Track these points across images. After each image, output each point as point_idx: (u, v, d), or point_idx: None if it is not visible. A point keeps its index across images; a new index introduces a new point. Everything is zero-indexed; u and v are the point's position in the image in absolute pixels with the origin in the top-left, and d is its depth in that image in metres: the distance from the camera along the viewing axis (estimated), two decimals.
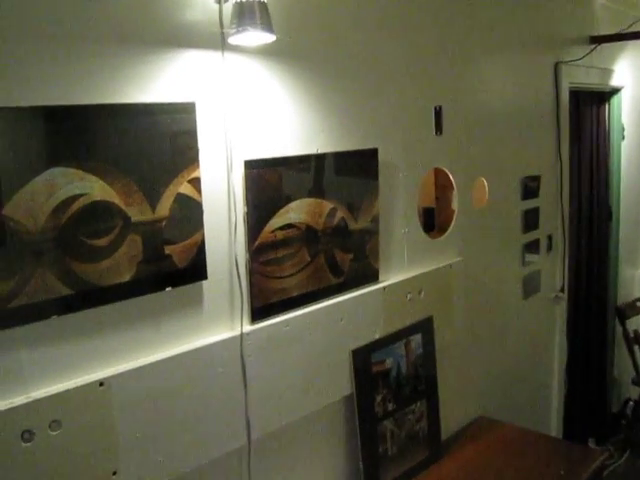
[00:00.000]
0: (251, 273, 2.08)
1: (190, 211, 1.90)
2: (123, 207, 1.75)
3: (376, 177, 2.50)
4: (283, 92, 2.15)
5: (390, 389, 2.60)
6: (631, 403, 4.95)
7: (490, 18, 3.20)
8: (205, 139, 1.93)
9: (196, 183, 1.90)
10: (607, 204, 4.87)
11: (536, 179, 3.65)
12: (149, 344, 1.86)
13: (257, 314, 2.11)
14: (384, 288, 2.56)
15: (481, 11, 3.12)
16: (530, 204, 3.63)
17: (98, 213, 1.70)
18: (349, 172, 2.41)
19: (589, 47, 4.14)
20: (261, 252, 2.10)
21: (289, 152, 2.18)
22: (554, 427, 4.17)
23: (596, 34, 4.21)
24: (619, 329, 4.64)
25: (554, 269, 3.98)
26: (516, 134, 3.47)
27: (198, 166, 1.90)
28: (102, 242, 1.72)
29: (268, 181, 2.11)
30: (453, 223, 3.02)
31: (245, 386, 2.06)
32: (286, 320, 2.18)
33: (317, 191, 2.27)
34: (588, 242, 4.67)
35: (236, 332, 2.04)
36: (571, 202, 4.14)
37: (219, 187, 1.99)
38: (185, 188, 1.88)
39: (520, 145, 3.51)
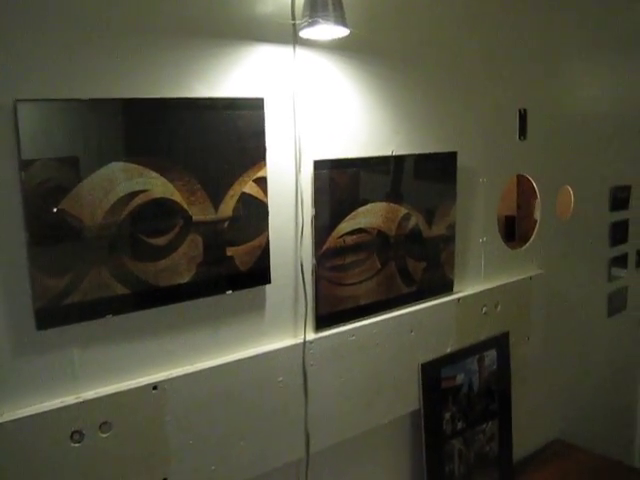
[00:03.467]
0: (317, 279, 1.95)
1: (255, 212, 1.79)
2: (184, 205, 1.65)
3: (454, 182, 2.33)
4: (356, 90, 2.02)
5: (460, 406, 2.42)
6: None
7: (585, 14, 2.97)
8: (273, 137, 1.82)
9: (262, 183, 1.79)
10: None
11: (626, 189, 3.39)
12: (206, 348, 1.75)
13: (321, 322, 1.98)
14: (458, 300, 2.39)
15: (573, 9, 2.89)
16: (619, 216, 3.37)
17: (158, 211, 1.61)
18: (425, 176, 2.25)
19: None
20: (328, 257, 1.97)
21: (361, 153, 2.05)
22: (637, 457, 3.88)
23: None
24: None
25: None
26: (606, 140, 3.23)
27: (265, 165, 1.79)
28: (161, 241, 1.62)
29: (338, 183, 1.98)
30: (535, 233, 2.81)
31: (306, 396, 1.93)
32: (352, 329, 2.04)
33: (390, 195, 2.13)
34: None
35: (299, 340, 1.91)
36: None
37: (286, 188, 1.87)
38: (250, 188, 1.76)
39: (610, 152, 3.26)
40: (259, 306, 1.85)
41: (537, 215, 2.83)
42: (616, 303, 3.43)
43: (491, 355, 2.55)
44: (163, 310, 1.65)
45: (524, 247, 2.78)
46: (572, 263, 3.07)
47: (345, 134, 2.01)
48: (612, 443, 3.55)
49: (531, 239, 2.80)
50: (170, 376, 1.65)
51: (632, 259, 3.53)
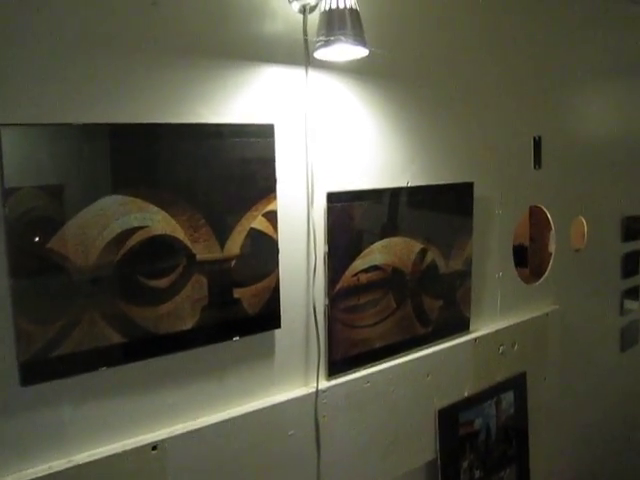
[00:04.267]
0: (330, 321, 1.78)
1: (264, 250, 1.62)
2: (188, 243, 1.48)
3: (470, 214, 2.18)
4: (370, 115, 1.87)
5: (478, 454, 2.24)
6: None
7: (595, 43, 2.85)
8: (284, 167, 1.66)
9: (272, 217, 1.62)
10: None
11: (639, 220, 3.25)
12: (211, 401, 1.57)
13: (335, 368, 1.81)
14: (475, 339, 2.22)
15: (586, 35, 2.77)
16: (631, 247, 3.22)
17: (159, 249, 1.44)
18: (441, 208, 2.09)
19: None
20: (342, 298, 1.80)
21: (375, 184, 1.89)
22: None
23: None
24: None
25: None
26: (619, 170, 3.09)
27: (275, 198, 1.62)
28: (162, 283, 1.44)
29: (353, 217, 1.81)
30: (550, 266, 2.65)
31: (318, 450, 1.75)
32: (367, 375, 1.87)
33: (406, 229, 1.96)
34: None
35: (311, 389, 1.74)
36: None
37: (298, 222, 1.71)
38: (259, 223, 1.60)
39: (623, 182, 3.13)
40: (268, 353, 1.67)
41: (552, 247, 2.67)
42: (629, 337, 3.27)
43: (508, 397, 2.37)
44: (163, 360, 1.47)
45: (539, 282, 2.61)
46: (585, 297, 2.91)
47: (359, 164, 1.85)
48: None
49: (546, 273, 2.64)
50: (172, 434, 1.47)
51: None
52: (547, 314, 2.57)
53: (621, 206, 3.13)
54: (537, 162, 2.53)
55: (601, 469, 3.11)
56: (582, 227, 2.86)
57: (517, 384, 2.41)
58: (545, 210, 2.61)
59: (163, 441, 1.45)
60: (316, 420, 1.73)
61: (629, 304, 3.24)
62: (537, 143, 2.53)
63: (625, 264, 3.19)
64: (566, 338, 2.74)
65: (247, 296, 1.58)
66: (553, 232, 2.65)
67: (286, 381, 1.71)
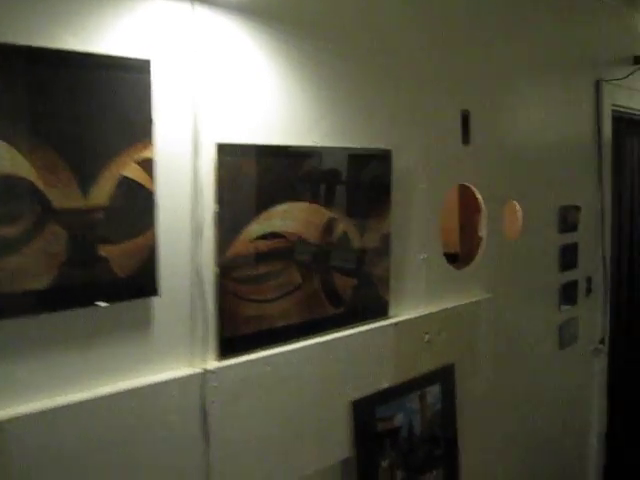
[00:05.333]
0: (221, 293, 1.60)
1: (138, 202, 1.44)
2: (41, 187, 1.29)
3: (388, 186, 2.03)
4: (272, 65, 1.71)
5: (400, 453, 2.08)
6: None
7: (529, 32, 2.77)
8: (163, 110, 1.49)
9: (148, 166, 1.45)
10: None
11: (575, 210, 3.17)
12: (72, 378, 1.37)
13: (227, 347, 1.62)
14: (395, 324, 2.07)
15: (520, 24, 2.70)
16: (568, 238, 3.14)
17: (4, 192, 1.24)
18: (354, 175, 1.95)
19: (633, 68, 3.71)
20: (235, 266, 1.63)
21: (278, 140, 1.73)
22: None
23: None
24: None
25: (594, 317, 3.45)
26: (554, 157, 3.01)
27: (151, 144, 1.45)
28: (8, 232, 1.25)
29: (249, 174, 1.65)
30: (481, 252, 2.53)
31: (207, 442, 1.56)
32: (267, 357, 1.69)
33: (313, 195, 1.81)
34: (629, 293, 4.15)
35: (197, 369, 1.55)
36: (611, 246, 3.64)
37: (181, 175, 1.54)
38: (132, 171, 1.42)
39: (558, 170, 3.05)
40: (144, 324, 1.48)
41: (482, 232, 2.56)
42: (567, 335, 3.17)
43: (434, 391, 2.22)
44: (9, 325, 1.27)
45: (470, 267, 2.49)
46: (521, 288, 2.80)
47: (258, 115, 1.69)
48: None
49: (477, 258, 2.52)
50: (15, 414, 1.26)
51: (582, 287, 3.29)
52: (478, 302, 2.43)
53: (557, 195, 3.05)
54: (466, 138, 2.42)
55: (537, 471, 2.98)
56: (516, 213, 2.75)
57: (444, 377, 2.27)
58: (474, 190, 2.49)
59: (3, 422, 1.24)
60: (203, 406, 1.54)
61: (567, 301, 3.15)
62: (465, 118, 2.41)
63: (563, 257, 3.10)
64: (500, 331, 2.62)
65: (116, 255, 1.40)
66: (484, 215, 2.54)
67: (167, 359, 1.52)
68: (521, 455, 2.90)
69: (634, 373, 4.18)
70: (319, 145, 1.83)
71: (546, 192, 2.97)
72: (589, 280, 3.35)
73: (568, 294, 3.16)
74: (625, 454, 4.02)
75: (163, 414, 1.47)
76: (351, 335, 1.92)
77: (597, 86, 3.41)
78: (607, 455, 3.71)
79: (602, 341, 3.50)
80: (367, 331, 1.97)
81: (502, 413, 2.71)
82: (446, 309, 2.28)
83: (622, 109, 3.70)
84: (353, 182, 1.93)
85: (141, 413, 1.44)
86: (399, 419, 2.08)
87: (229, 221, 1.60)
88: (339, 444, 1.91)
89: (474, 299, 2.42)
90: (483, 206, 2.52)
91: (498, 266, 2.62)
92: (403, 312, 2.14)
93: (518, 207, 2.75)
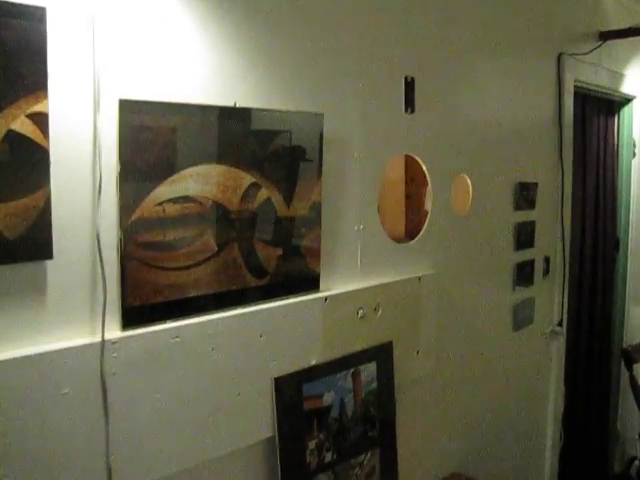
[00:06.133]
0: (124, 258, 1.53)
1: (29, 159, 1.37)
2: None
3: (319, 152, 1.97)
4: (189, 14, 1.64)
5: (329, 433, 2.03)
6: (637, 462, 4.38)
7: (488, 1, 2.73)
8: (60, 61, 1.41)
9: (41, 121, 1.37)
10: (614, 233, 4.36)
11: (533, 187, 3.13)
12: None
13: (133, 317, 1.56)
14: (325, 299, 2.01)
15: None
16: (524, 216, 3.10)
17: None
18: (281, 139, 1.88)
19: (598, 43, 3.67)
20: (141, 230, 1.56)
21: (192, 99, 1.66)
22: None
23: (605, 30, 3.74)
24: (625, 375, 4.08)
25: (551, 298, 3.43)
26: (512, 131, 2.97)
27: (45, 97, 1.38)
28: None
29: (157, 133, 1.58)
30: (425, 227, 2.48)
31: (106, 417, 1.50)
32: (177, 328, 1.63)
33: (232, 158, 1.74)
34: (592, 274, 4.14)
35: (96, 339, 1.48)
36: (573, 227, 3.61)
37: (79, 132, 1.46)
38: (22, 125, 1.35)
39: (516, 145, 3.01)
40: (36, 289, 1.41)
41: (428, 205, 2.51)
42: (522, 316, 3.14)
43: (369, 369, 2.18)
44: None
45: (413, 242, 2.43)
46: (471, 266, 2.76)
47: (169, 71, 1.61)
48: (519, 474, 3.25)
49: (421, 233, 2.47)
50: None
51: (539, 267, 3.26)
52: (420, 278, 2.38)
53: (513, 171, 3.00)
54: (409, 105, 2.36)
55: (482, 457, 2.95)
56: (467, 187, 2.70)
57: (381, 355, 2.22)
58: (419, 161, 2.43)
59: None
60: (102, 378, 1.48)
61: (522, 281, 3.11)
62: (409, 84, 2.35)
63: (518, 235, 3.06)
64: (447, 309, 2.58)
65: (3, 214, 1.33)
66: (430, 188, 2.49)
67: (62, 327, 1.45)
68: (470, 437, 2.86)
69: (593, 356, 4.18)
70: (240, 106, 1.76)
71: (502, 168, 2.93)
72: (547, 260, 3.33)
73: (524, 274, 3.13)
74: (582, 438, 4.02)
75: (56, 384, 1.41)
76: (275, 308, 1.86)
77: (559, 60, 3.37)
78: (565, 438, 3.70)
79: (560, 323, 3.48)
80: (293, 304, 1.91)
81: (448, 394, 2.68)
82: (383, 284, 2.22)
83: (587, 86, 3.66)
84: (279, 146, 1.87)
85: (33, 383, 1.37)
86: (329, 398, 2.03)
87: (134, 183, 1.54)
88: (261, 422, 1.85)
89: (415, 275, 2.37)
90: (429, 179, 2.47)
91: (445, 242, 2.57)
92: (336, 286, 2.08)
93: (469, 181, 2.70)
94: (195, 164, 1.65)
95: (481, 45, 2.73)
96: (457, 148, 2.61)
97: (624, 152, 4.34)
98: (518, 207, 3.05)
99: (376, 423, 2.20)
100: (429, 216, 2.49)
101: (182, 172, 1.62)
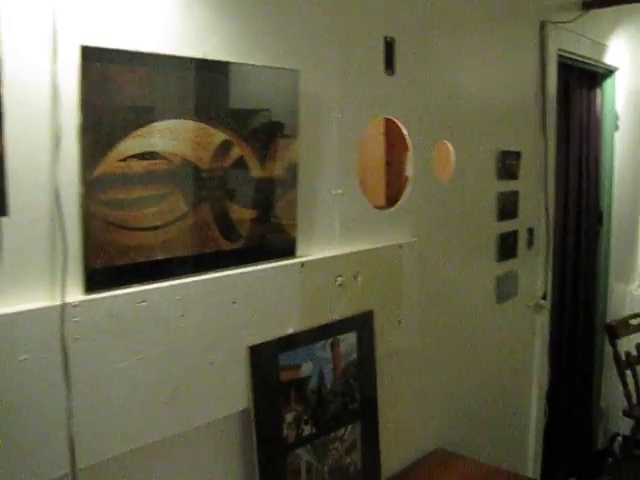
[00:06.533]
0: (87, 217, 1.44)
1: None
2: None
3: (295, 110, 1.88)
4: None
5: (307, 406, 1.96)
6: (619, 438, 4.37)
7: None
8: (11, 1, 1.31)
9: None
10: (597, 206, 4.32)
11: (516, 156, 3.07)
12: None
13: (95, 280, 1.47)
14: (302, 264, 1.93)
15: None
16: (507, 186, 3.03)
17: None
18: (254, 95, 1.80)
19: (581, 12, 3.61)
20: (104, 187, 1.47)
21: (160, 48, 1.56)
22: (530, 465, 3.54)
23: None
24: (608, 350, 4.05)
25: (535, 270, 3.37)
26: (495, 98, 2.89)
27: None
28: None
29: (121, 84, 1.48)
30: (406, 193, 2.40)
31: (68, 386, 1.41)
32: (143, 292, 1.54)
33: (202, 113, 1.65)
34: (575, 248, 4.10)
35: (56, 302, 1.39)
36: (556, 200, 3.55)
37: (35, 78, 1.36)
38: None
39: (499, 113, 2.93)
40: None
41: (409, 171, 2.43)
42: (506, 287, 3.08)
43: (349, 340, 2.10)
44: None
45: (393, 208, 2.36)
46: (453, 235, 2.69)
47: (135, 16, 1.52)
48: (502, 450, 3.19)
49: (401, 199, 2.39)
50: None
51: (523, 238, 3.20)
52: (400, 246, 2.31)
53: (496, 138, 2.93)
54: (389, 66, 2.28)
55: (469, 434, 2.90)
56: (448, 154, 2.63)
57: (361, 325, 2.15)
58: (399, 125, 2.35)
59: None
60: (63, 343, 1.39)
61: (505, 252, 3.05)
62: (389, 45, 2.27)
63: (501, 205, 3.00)
64: (429, 279, 2.51)
65: None
66: (410, 154, 2.41)
67: (18, 289, 1.35)
68: (452, 411, 2.80)
69: (577, 331, 4.14)
70: (210, 58, 1.67)
71: (484, 135, 2.86)
72: (531, 232, 3.27)
73: (507, 245, 3.06)
74: (566, 414, 4.00)
75: (13, 350, 1.32)
76: (249, 273, 1.78)
77: (542, 27, 3.30)
78: (549, 415, 3.67)
79: (544, 296, 3.43)
80: (268, 270, 1.83)
81: (431, 368, 2.62)
82: (363, 251, 2.15)
83: (570, 56, 3.60)
84: (252, 102, 1.78)
85: None
86: (307, 369, 1.96)
87: (96, 135, 1.44)
88: (235, 393, 1.77)
89: (395, 242, 2.29)
90: (410, 144, 2.39)
91: (426, 210, 2.50)
92: (313, 252, 2.00)
93: (450, 148, 2.63)
94: (163, 118, 1.56)
95: (463, 10, 2.65)
96: (439, 113, 2.53)
97: (607, 125, 4.29)
98: (501, 176, 2.99)
99: (356, 396, 2.13)
100: (410, 182, 2.41)
101: (149, 127, 1.53)
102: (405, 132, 2.37)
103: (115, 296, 1.48)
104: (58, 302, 1.39)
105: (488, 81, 2.86)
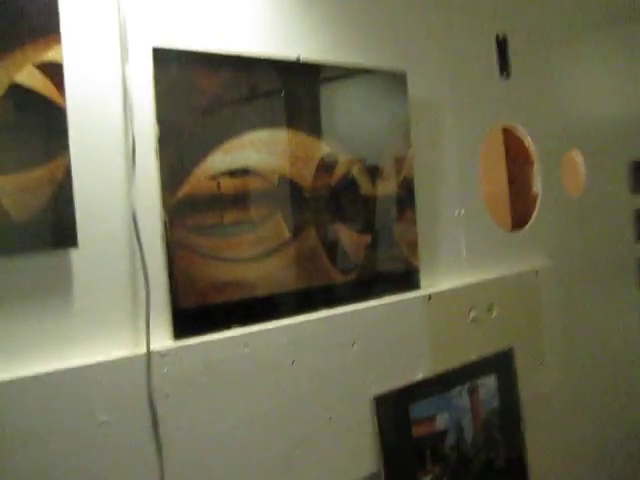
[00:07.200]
0: (171, 247, 1.20)
1: (39, 119, 1.08)
2: None
3: (405, 117, 1.62)
4: None
5: (446, 466, 1.63)
6: None
7: None
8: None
9: (54, 72, 1.09)
10: None
11: None
12: None
13: (186, 322, 1.23)
14: (429, 297, 1.64)
15: None
16: None
17: None
18: (355, 100, 1.55)
19: None
20: (191, 211, 1.23)
21: (249, 50, 1.33)
22: None
23: None
24: None
25: None
26: (622, 104, 2.56)
27: (58, 42, 1.09)
28: None
29: (204, 90, 1.26)
30: (537, 211, 2.09)
31: (159, 452, 1.15)
32: (244, 336, 1.28)
33: (302, 121, 1.41)
34: None
35: (141, 350, 1.14)
36: None
37: (104, 86, 1.16)
38: (30, 77, 1.06)
39: (629, 116, 2.58)
40: (59, 286, 1.09)
41: (537, 187, 2.11)
42: None
43: (489, 384, 1.78)
44: None
45: (523, 229, 2.04)
46: (590, 259, 2.34)
47: (216, 15, 1.30)
48: None
49: (532, 219, 2.07)
50: None
51: None
52: (537, 272, 1.99)
53: (629, 144, 2.58)
54: (504, 68, 2.00)
55: None
56: (575, 165, 2.30)
57: (501, 365, 1.83)
58: (521, 135, 2.05)
59: None
60: (151, 401, 1.14)
61: None
62: (501, 44, 1.99)
63: (638, 223, 2.62)
64: (569, 310, 2.16)
65: (9, 190, 1.02)
66: (537, 167, 2.10)
67: (94, 335, 1.12)
68: (609, 462, 2.40)
69: None
70: (306, 60, 1.43)
71: (614, 145, 2.51)
72: None
73: None
74: None
75: (91, 410, 1.07)
76: (368, 309, 1.51)
77: None
78: None
79: None
80: (391, 304, 1.56)
81: (581, 413, 2.24)
82: (495, 279, 1.84)
83: None
84: (357, 109, 1.53)
85: (58, 408, 1.04)
86: (443, 421, 1.64)
87: (178, 149, 1.22)
88: (360, 454, 1.48)
89: (530, 267, 1.97)
90: (534, 155, 2.08)
91: (559, 230, 2.17)
92: (439, 282, 1.72)
93: (580, 159, 2.30)
94: (254, 128, 1.32)
95: (583, 9, 2.35)
96: (562, 121, 2.22)
97: None
98: (636, 189, 2.62)
99: (501, 451, 1.79)
100: (539, 199, 2.09)
101: (240, 138, 1.29)
102: (528, 143, 2.06)
103: (211, 342, 1.23)
104: (142, 351, 1.14)
105: (616, 86, 2.53)
